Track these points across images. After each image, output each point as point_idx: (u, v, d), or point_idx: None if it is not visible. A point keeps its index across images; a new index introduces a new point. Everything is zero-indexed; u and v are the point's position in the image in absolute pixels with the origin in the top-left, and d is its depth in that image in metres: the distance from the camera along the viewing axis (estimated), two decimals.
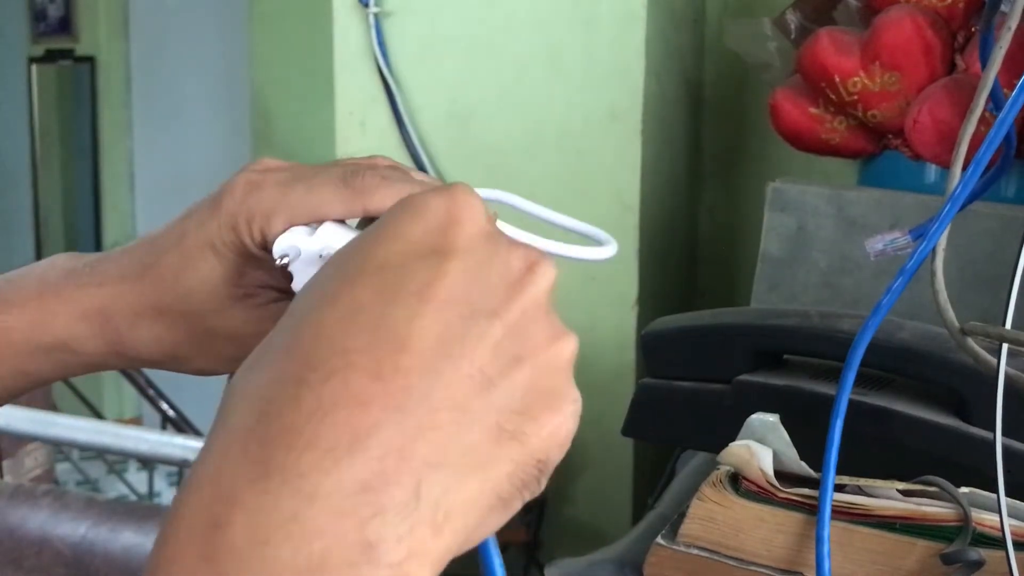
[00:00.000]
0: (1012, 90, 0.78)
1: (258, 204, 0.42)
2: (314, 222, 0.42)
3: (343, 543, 0.26)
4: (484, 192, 0.46)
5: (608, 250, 0.50)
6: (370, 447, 0.27)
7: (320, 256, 0.41)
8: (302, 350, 0.28)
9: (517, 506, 0.30)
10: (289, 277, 0.42)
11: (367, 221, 0.43)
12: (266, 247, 0.42)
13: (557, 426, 0.30)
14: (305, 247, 0.41)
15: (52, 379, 0.47)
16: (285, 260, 0.41)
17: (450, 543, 0.28)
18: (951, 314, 0.50)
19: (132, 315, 0.44)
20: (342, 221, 0.42)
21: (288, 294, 0.45)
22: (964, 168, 0.50)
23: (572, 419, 0.31)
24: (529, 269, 0.31)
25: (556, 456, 0.30)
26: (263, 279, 0.44)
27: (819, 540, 0.51)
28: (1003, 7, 0.57)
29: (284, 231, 0.41)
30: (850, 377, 0.53)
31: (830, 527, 0.51)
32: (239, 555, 0.26)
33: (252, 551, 0.26)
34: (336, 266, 0.31)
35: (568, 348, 0.32)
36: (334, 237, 0.41)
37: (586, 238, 0.52)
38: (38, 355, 0.45)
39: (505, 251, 0.31)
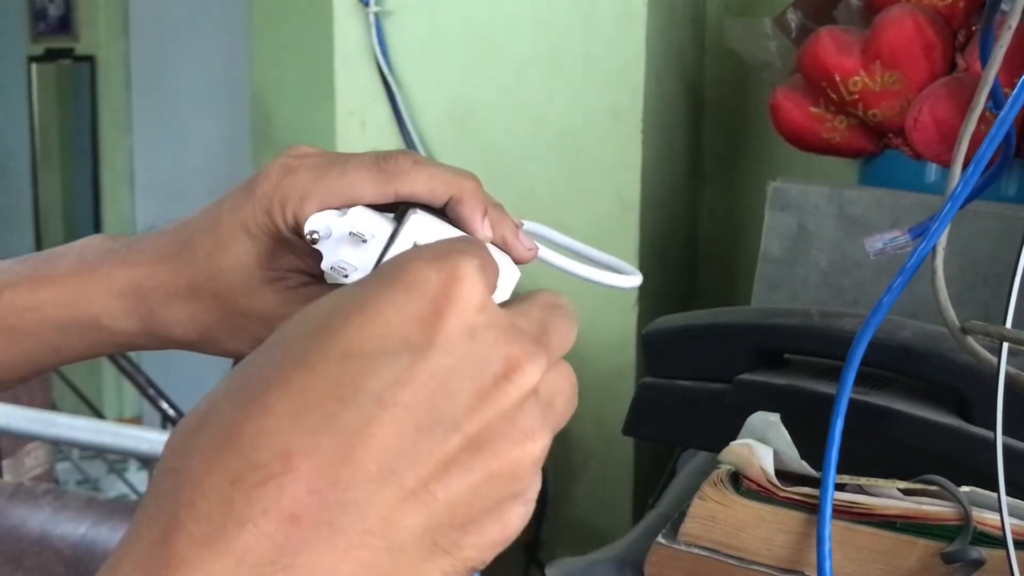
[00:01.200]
0: (1012, 89, 0.78)
1: (292, 187, 0.43)
2: (346, 205, 0.43)
3: None
4: (526, 224, 0.49)
5: (634, 279, 0.53)
6: (295, 566, 0.25)
7: (350, 234, 0.42)
8: (243, 442, 0.26)
9: None
10: (319, 257, 0.43)
11: (396, 209, 0.44)
12: (298, 230, 0.43)
13: (501, 532, 0.29)
14: (335, 227, 0.42)
15: (82, 357, 0.47)
16: (315, 237, 0.42)
17: None
18: (951, 313, 0.50)
19: (166, 294, 0.45)
20: (374, 207, 0.44)
21: (318, 278, 0.46)
22: (964, 167, 0.50)
23: (522, 520, 0.29)
24: (506, 375, 0.28)
25: (494, 553, 0.29)
26: (294, 263, 0.45)
27: (820, 540, 0.51)
28: (1003, 6, 0.57)
29: (316, 213, 0.43)
30: (850, 376, 0.53)
31: (831, 526, 0.51)
32: None
33: None
34: (304, 334, 0.28)
35: (537, 448, 0.29)
36: (364, 219, 0.43)
37: (614, 269, 0.54)
38: (71, 331, 0.45)
39: (486, 351, 0.28)
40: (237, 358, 0.46)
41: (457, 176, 0.44)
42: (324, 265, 0.43)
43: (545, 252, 0.48)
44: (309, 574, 0.25)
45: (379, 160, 0.43)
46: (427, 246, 0.30)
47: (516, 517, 0.29)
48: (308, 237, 0.42)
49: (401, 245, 0.42)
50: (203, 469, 0.26)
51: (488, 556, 0.28)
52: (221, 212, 0.45)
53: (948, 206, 0.50)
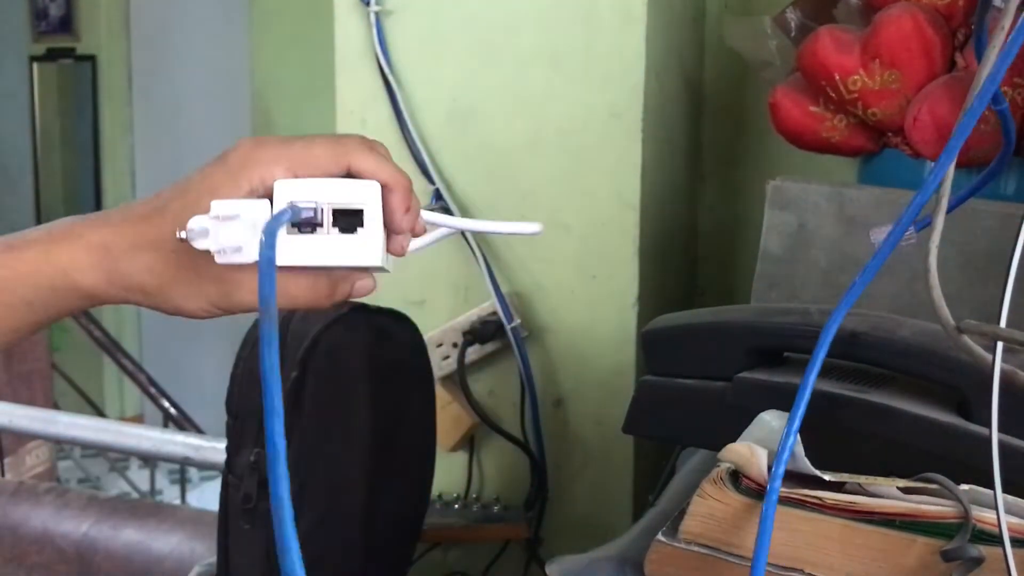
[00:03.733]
0: (1010, 87, 0.78)
1: (262, 155, 0.50)
2: (308, 174, 0.50)
3: None
4: (424, 215, 0.56)
5: (533, 226, 0.61)
6: None
7: (216, 218, 0.49)
8: None
9: None
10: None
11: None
12: (267, 194, 0.50)
13: None
14: (202, 223, 0.49)
15: (53, 314, 0.53)
16: (184, 237, 0.49)
17: None
18: (946, 311, 0.50)
19: (131, 248, 0.51)
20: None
21: None
22: (960, 165, 0.50)
23: None
24: None
25: None
26: None
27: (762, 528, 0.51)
28: (997, 2, 0.57)
29: (278, 179, 0.49)
30: (818, 361, 0.53)
31: (827, 524, 0.51)
32: None
33: None
34: None
35: None
36: (224, 204, 0.49)
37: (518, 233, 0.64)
38: (42, 287, 0.51)
39: None
40: (189, 316, 0.53)
41: (396, 172, 0.52)
42: (215, 256, 0.49)
43: (429, 215, 0.56)
44: None
45: (340, 138, 0.51)
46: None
47: None
48: (180, 238, 0.49)
49: (279, 203, 0.50)
50: None
51: None
52: (191, 180, 0.51)
53: (917, 198, 0.50)
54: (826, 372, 0.64)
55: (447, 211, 1.17)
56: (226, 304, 0.52)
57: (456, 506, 1.14)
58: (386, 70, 1.15)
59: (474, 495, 1.18)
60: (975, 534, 0.50)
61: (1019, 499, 0.50)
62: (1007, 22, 0.48)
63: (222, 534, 0.89)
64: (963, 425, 0.58)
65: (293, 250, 0.49)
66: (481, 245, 1.16)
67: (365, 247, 0.50)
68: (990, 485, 0.49)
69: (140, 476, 3.24)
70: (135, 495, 3.06)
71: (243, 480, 0.86)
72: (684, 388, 0.68)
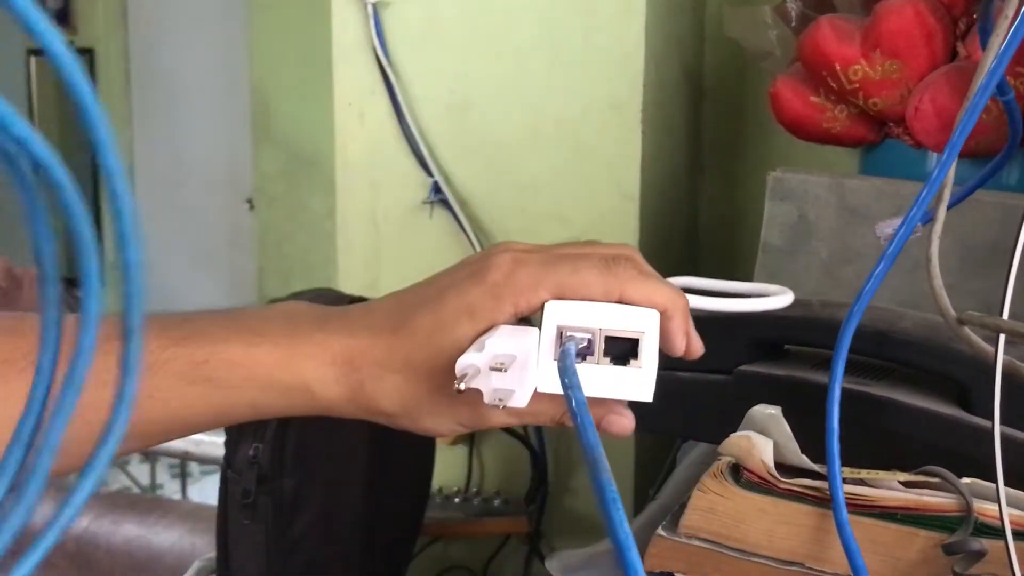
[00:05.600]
0: (1014, 77, 0.77)
1: (526, 277, 0.45)
2: (576, 299, 0.45)
3: None
4: (674, 280, 0.54)
5: (786, 298, 0.58)
6: None
7: (492, 368, 0.43)
8: None
9: None
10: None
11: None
12: (528, 317, 0.45)
13: None
14: (477, 361, 0.43)
15: (272, 415, 0.49)
16: (462, 387, 0.42)
17: None
18: (947, 303, 0.50)
19: (378, 367, 0.46)
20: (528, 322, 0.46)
21: None
22: (962, 155, 0.49)
23: None
24: None
25: None
26: None
27: (846, 543, 0.50)
28: None
29: (546, 302, 0.45)
30: (840, 366, 0.52)
31: (828, 517, 0.51)
32: None
33: None
34: None
35: None
36: (501, 346, 0.44)
37: (761, 294, 0.60)
38: (275, 391, 0.46)
39: None
40: (438, 436, 0.50)
41: (673, 294, 0.47)
42: (486, 399, 0.44)
43: (695, 299, 0.52)
44: None
45: (609, 263, 0.46)
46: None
47: None
48: (457, 387, 0.42)
49: (547, 335, 0.45)
50: None
51: None
52: (443, 293, 0.46)
53: (924, 192, 0.49)
54: (826, 364, 0.63)
55: (446, 204, 1.16)
56: (478, 425, 0.49)
57: (457, 500, 1.14)
58: (384, 62, 1.15)
59: (474, 489, 1.18)
60: (977, 527, 0.49)
61: (1021, 492, 0.50)
62: (1010, 10, 0.48)
63: (221, 529, 0.89)
64: (964, 417, 0.58)
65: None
66: (480, 238, 1.15)
67: (638, 381, 0.46)
68: (992, 478, 0.48)
69: (141, 471, 3.24)
70: (136, 490, 3.06)
71: (242, 475, 0.85)
72: (684, 381, 0.68)
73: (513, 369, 0.43)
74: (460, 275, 0.47)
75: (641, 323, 0.45)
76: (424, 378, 0.46)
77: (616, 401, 0.49)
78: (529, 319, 0.46)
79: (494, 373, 0.43)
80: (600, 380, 0.45)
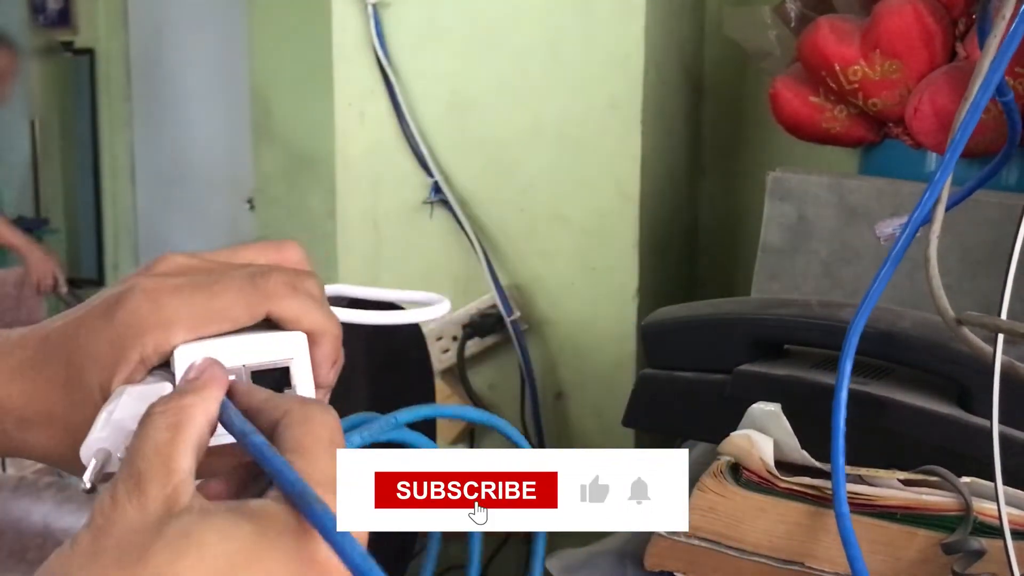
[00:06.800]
0: (1013, 78, 0.77)
1: (154, 316, 0.39)
2: (218, 332, 0.39)
3: None
4: (328, 288, 0.46)
5: (442, 307, 0.51)
6: None
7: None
8: None
9: None
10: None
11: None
12: (165, 362, 0.39)
13: None
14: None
15: None
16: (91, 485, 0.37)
17: None
18: (945, 303, 0.50)
19: (19, 420, 0.41)
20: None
21: None
22: (961, 155, 0.50)
23: None
24: None
25: None
26: None
27: (845, 536, 0.50)
28: None
29: (176, 347, 0.38)
30: (847, 367, 0.52)
31: (827, 517, 0.51)
32: None
33: None
34: None
35: None
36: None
37: (423, 303, 0.52)
38: None
39: None
40: None
41: (324, 319, 0.42)
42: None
43: (346, 314, 0.46)
44: None
45: (255, 278, 0.40)
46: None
47: None
48: (83, 486, 0.36)
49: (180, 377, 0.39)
50: None
51: None
52: (77, 335, 0.40)
53: (927, 194, 0.49)
54: (825, 364, 0.64)
55: (446, 204, 1.16)
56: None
57: None
58: (384, 62, 1.15)
59: None
60: (976, 526, 0.49)
61: (1020, 491, 0.50)
62: (1008, 11, 0.48)
63: None
64: (963, 417, 0.58)
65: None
66: (480, 238, 1.16)
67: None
68: (990, 477, 0.48)
69: None
70: None
71: None
72: (684, 381, 0.68)
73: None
74: (97, 309, 0.40)
75: (286, 349, 0.40)
76: (64, 432, 0.41)
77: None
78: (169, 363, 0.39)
79: (124, 441, 0.36)
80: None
